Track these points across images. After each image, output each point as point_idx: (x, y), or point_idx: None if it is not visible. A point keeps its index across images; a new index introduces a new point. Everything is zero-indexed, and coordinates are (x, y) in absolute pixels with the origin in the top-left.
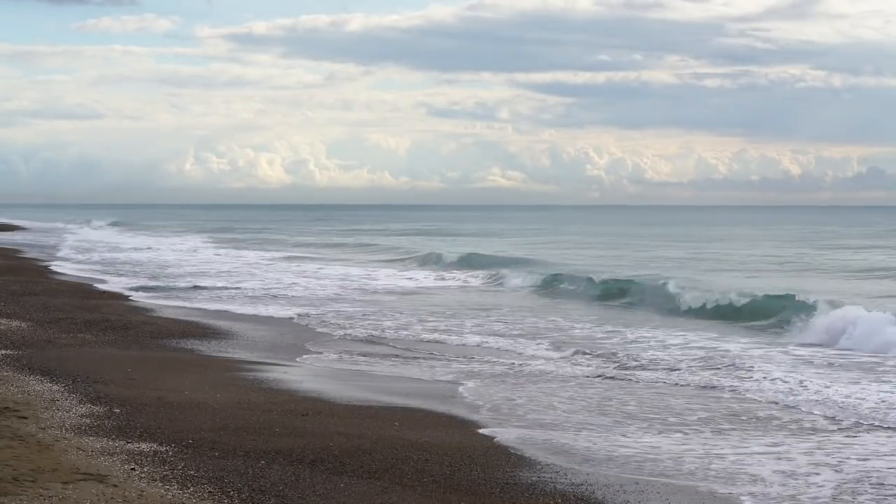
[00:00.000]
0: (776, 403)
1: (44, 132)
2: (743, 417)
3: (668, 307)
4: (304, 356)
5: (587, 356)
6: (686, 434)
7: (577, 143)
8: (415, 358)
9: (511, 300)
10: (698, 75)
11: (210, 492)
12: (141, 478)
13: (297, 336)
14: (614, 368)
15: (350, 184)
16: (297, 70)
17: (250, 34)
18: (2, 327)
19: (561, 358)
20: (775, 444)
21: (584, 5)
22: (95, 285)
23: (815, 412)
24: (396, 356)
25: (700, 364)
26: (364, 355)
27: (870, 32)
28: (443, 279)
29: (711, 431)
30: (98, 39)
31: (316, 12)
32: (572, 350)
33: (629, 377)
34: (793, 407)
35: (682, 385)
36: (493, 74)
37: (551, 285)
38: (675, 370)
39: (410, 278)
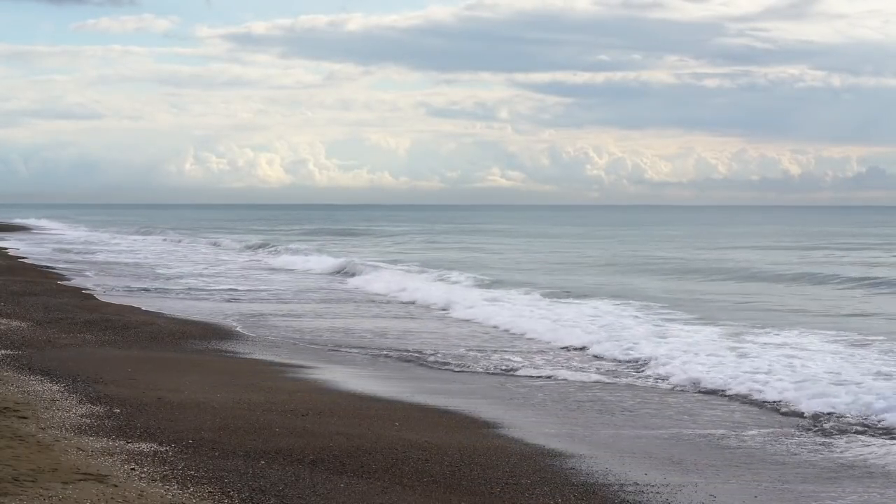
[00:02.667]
0: None
1: (43, 132)
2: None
3: None
4: (302, 355)
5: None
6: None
7: (576, 143)
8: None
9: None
10: (698, 75)
11: (210, 492)
12: (141, 478)
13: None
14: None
15: (350, 184)
16: (296, 70)
17: (249, 34)
18: (2, 327)
19: None
20: None
21: (584, 5)
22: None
23: None
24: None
25: None
26: (342, 351)
27: (869, 32)
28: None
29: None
30: (97, 39)
31: (315, 12)
32: None
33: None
34: None
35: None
36: (493, 74)
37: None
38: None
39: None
